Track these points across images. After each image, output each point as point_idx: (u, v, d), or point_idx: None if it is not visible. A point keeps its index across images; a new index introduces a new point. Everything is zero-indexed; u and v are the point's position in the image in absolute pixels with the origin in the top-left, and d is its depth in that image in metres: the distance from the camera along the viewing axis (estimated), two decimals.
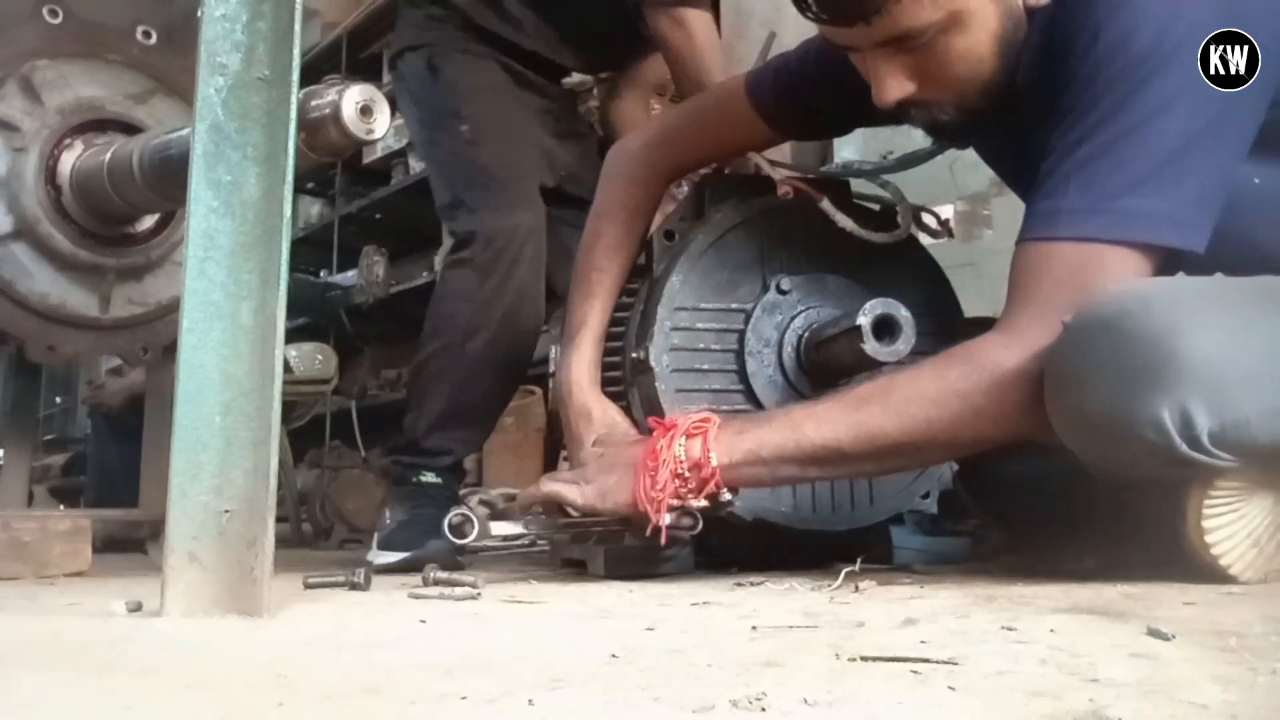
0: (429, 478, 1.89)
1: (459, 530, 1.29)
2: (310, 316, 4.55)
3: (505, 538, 1.44)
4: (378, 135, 1.56)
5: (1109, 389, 0.99)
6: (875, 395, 1.14)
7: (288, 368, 3.31)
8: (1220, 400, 0.96)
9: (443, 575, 1.32)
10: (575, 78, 2.30)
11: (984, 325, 1.55)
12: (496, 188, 1.90)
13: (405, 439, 1.91)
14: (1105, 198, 1.07)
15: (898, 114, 1.25)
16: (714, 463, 1.17)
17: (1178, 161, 1.07)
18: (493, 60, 1.99)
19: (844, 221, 1.41)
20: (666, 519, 1.18)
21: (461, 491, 3.19)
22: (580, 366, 1.46)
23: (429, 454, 1.88)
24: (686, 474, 1.18)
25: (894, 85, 1.19)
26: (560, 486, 1.27)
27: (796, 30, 3.26)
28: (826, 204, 1.42)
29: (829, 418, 1.15)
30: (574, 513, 1.27)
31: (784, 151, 1.79)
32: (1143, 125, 1.07)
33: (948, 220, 1.56)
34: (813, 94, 1.45)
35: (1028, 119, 1.21)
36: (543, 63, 2.06)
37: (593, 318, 1.49)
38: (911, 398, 1.11)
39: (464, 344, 1.85)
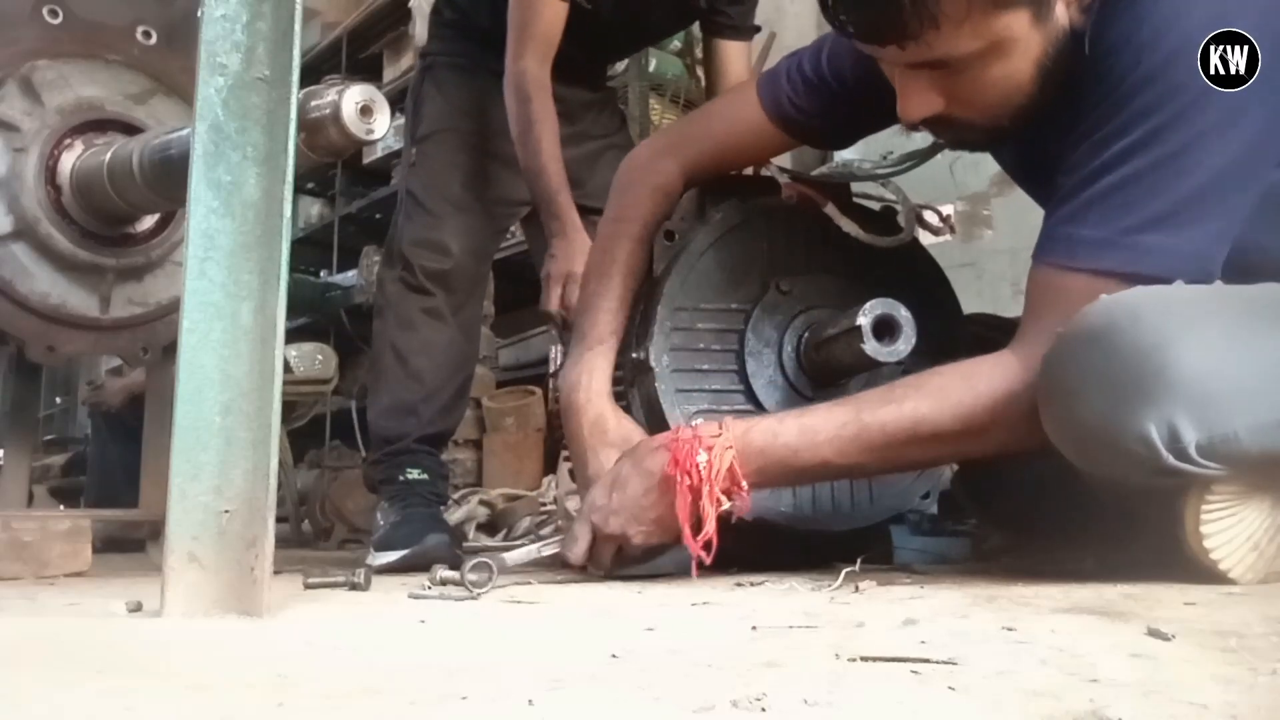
0: (415, 474, 1.95)
1: (478, 583, 1.25)
2: (310, 316, 4.55)
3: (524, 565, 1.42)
4: (378, 135, 1.56)
5: (1097, 401, 0.99)
6: (880, 418, 1.14)
7: (288, 368, 3.31)
8: (1207, 415, 0.96)
9: (449, 575, 1.31)
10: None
11: (982, 322, 1.56)
12: (418, 214, 2.05)
13: (372, 435, 2.06)
14: (1126, 231, 1.06)
15: (919, 127, 1.22)
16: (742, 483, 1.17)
17: (1205, 197, 1.05)
18: (486, 72, 2.01)
19: (848, 226, 1.41)
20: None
21: (460, 492, 3.20)
22: (597, 378, 1.43)
23: (389, 440, 1.99)
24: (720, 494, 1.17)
25: (920, 103, 1.16)
26: (600, 526, 1.25)
27: (796, 30, 3.26)
28: (831, 209, 1.42)
29: (843, 442, 1.16)
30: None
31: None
32: (1174, 159, 1.05)
33: (949, 216, 1.56)
34: (824, 99, 1.43)
35: (1049, 126, 1.18)
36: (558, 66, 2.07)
37: (608, 330, 1.45)
38: (921, 416, 1.13)
39: (391, 352, 2.02)
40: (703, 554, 1.15)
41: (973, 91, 1.14)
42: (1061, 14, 1.11)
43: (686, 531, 1.15)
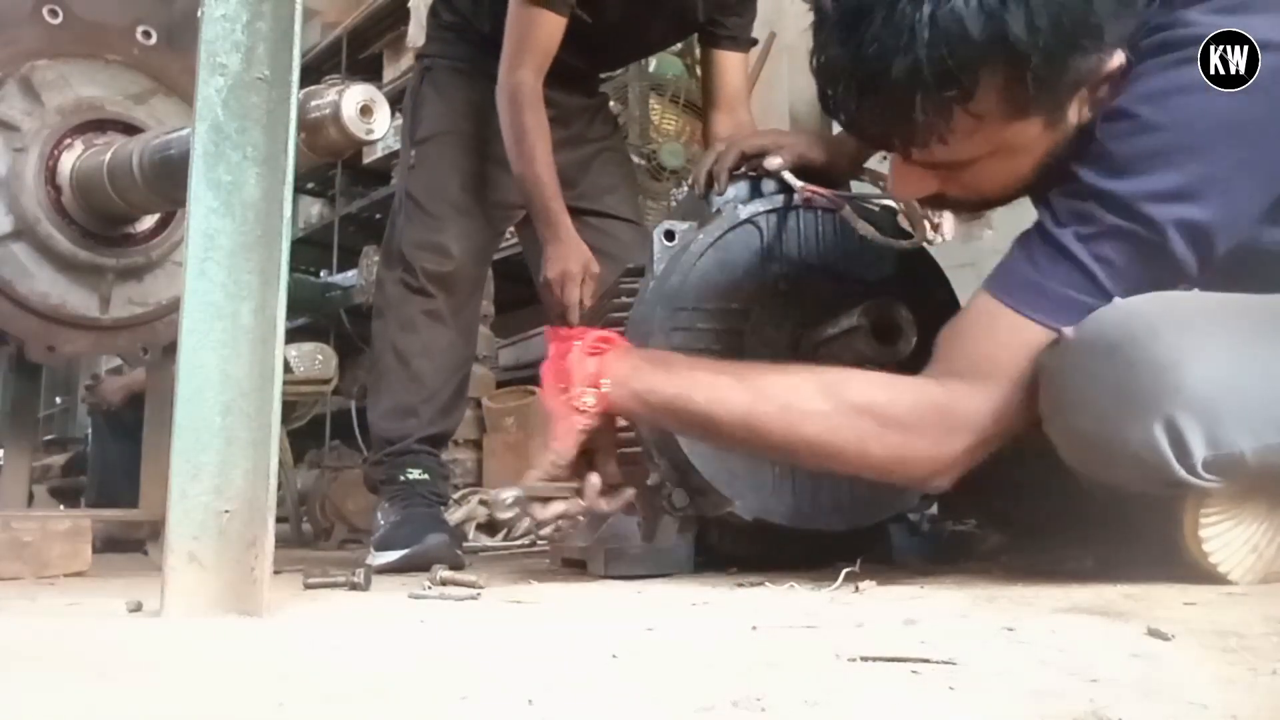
0: (415, 474, 1.96)
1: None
2: (310, 316, 4.55)
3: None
4: (378, 135, 1.56)
5: (1107, 411, 1.00)
6: (778, 400, 1.12)
7: (288, 368, 3.31)
8: (1217, 432, 0.97)
9: (449, 575, 1.32)
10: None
11: None
12: (419, 216, 2.06)
13: (373, 435, 2.08)
14: (1066, 285, 1.07)
15: None
16: (605, 388, 1.17)
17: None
18: (485, 76, 2.01)
19: (865, 229, 1.40)
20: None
21: (460, 492, 3.21)
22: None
23: (390, 441, 2.01)
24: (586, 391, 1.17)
25: (915, 187, 1.18)
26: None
27: (796, 30, 3.25)
28: (847, 211, 1.42)
29: (728, 398, 1.13)
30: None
31: None
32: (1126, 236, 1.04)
33: (939, 223, 1.56)
34: None
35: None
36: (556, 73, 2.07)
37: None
38: (810, 414, 1.11)
39: (392, 353, 2.03)
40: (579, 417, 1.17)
41: (971, 183, 1.15)
42: (1073, 114, 1.09)
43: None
